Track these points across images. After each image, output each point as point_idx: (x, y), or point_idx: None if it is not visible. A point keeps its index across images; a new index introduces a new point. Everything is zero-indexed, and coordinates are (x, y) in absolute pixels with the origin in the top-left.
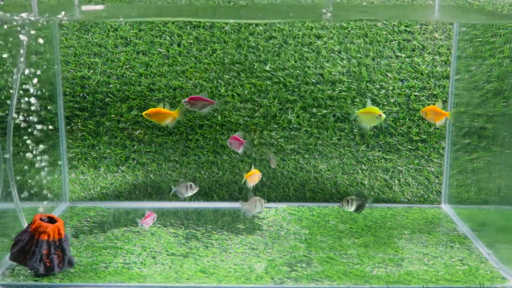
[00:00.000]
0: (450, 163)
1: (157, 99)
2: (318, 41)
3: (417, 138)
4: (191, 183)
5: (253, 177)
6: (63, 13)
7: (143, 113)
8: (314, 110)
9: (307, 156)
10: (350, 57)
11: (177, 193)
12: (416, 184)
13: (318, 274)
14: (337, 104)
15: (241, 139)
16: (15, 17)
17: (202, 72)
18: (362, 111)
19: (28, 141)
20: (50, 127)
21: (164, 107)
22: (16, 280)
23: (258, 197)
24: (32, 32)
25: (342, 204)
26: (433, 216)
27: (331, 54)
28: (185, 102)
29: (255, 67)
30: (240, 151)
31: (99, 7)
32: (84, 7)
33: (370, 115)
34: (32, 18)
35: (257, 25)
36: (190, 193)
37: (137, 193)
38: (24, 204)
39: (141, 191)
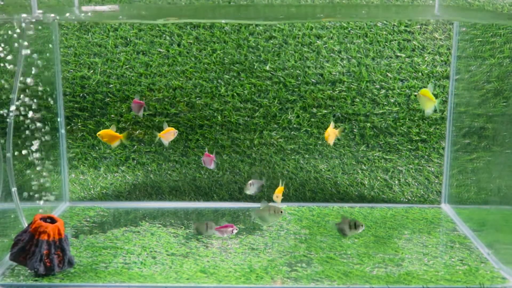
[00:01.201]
0: (450, 163)
1: (157, 99)
2: (318, 41)
3: (417, 138)
4: (212, 223)
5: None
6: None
7: (97, 134)
8: (314, 110)
9: (307, 156)
10: (350, 57)
11: (198, 230)
12: (416, 184)
13: (318, 274)
14: (337, 104)
15: (211, 155)
16: (15, 17)
17: (202, 72)
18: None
19: (28, 141)
20: (50, 127)
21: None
22: (16, 280)
23: (273, 205)
24: (32, 32)
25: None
26: (433, 216)
27: (331, 54)
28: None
29: (255, 67)
30: (212, 166)
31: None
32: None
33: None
34: (36, 15)
35: (257, 25)
36: (209, 233)
37: (137, 193)
38: (24, 204)
39: (141, 191)
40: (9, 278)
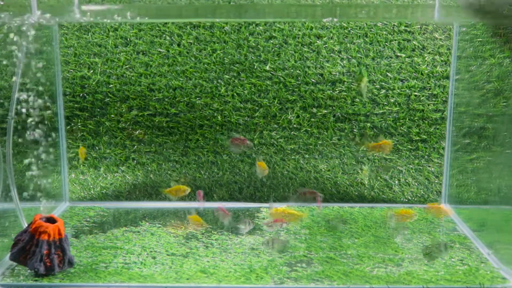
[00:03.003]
0: (450, 163)
1: (157, 99)
2: (318, 41)
3: (417, 138)
4: (250, 220)
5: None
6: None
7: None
8: (314, 110)
9: (307, 156)
10: (350, 57)
11: (239, 229)
12: (416, 184)
13: (318, 274)
14: (337, 104)
15: (226, 211)
16: (14, 19)
17: (202, 72)
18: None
19: (28, 141)
20: (50, 127)
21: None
22: (16, 280)
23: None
24: (32, 32)
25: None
26: (433, 216)
27: (331, 54)
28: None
29: (255, 67)
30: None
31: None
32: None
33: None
34: (34, 19)
35: (257, 25)
36: (248, 229)
37: (137, 193)
38: (24, 204)
39: (141, 191)
40: (9, 278)
